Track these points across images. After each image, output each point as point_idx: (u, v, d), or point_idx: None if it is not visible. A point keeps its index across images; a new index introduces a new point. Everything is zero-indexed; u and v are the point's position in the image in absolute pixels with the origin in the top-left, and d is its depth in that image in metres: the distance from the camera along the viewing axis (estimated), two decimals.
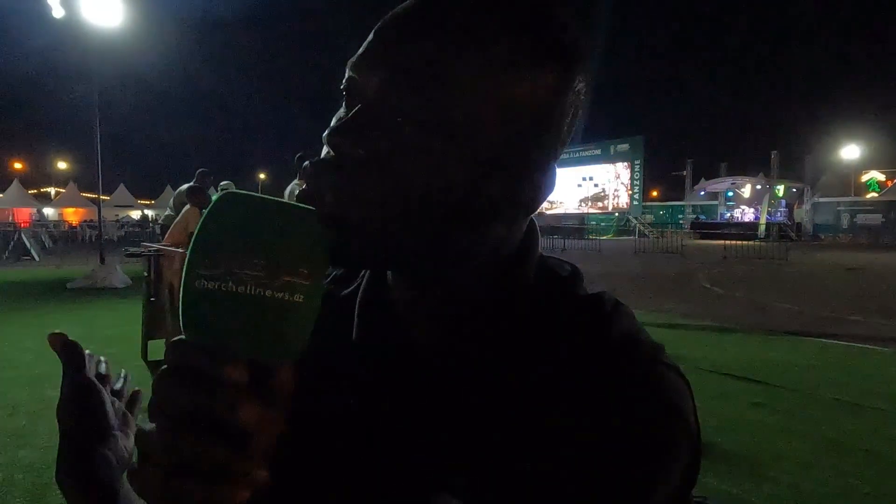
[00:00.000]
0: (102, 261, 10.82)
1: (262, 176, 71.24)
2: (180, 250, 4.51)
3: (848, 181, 37.68)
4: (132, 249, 5.50)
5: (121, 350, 5.41)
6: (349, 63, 0.43)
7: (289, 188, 6.04)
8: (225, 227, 0.34)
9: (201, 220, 0.35)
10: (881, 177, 37.23)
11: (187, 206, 5.92)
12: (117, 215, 39.22)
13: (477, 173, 0.40)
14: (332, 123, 0.44)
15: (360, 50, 0.43)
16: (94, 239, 21.06)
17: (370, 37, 0.42)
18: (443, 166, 0.39)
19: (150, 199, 46.77)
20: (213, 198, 0.36)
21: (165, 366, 0.34)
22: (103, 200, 13.44)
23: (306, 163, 0.42)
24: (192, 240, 0.34)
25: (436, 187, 0.39)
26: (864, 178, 38.11)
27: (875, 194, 35.20)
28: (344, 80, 0.43)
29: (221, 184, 7.16)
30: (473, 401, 0.44)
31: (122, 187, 43.60)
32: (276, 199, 0.36)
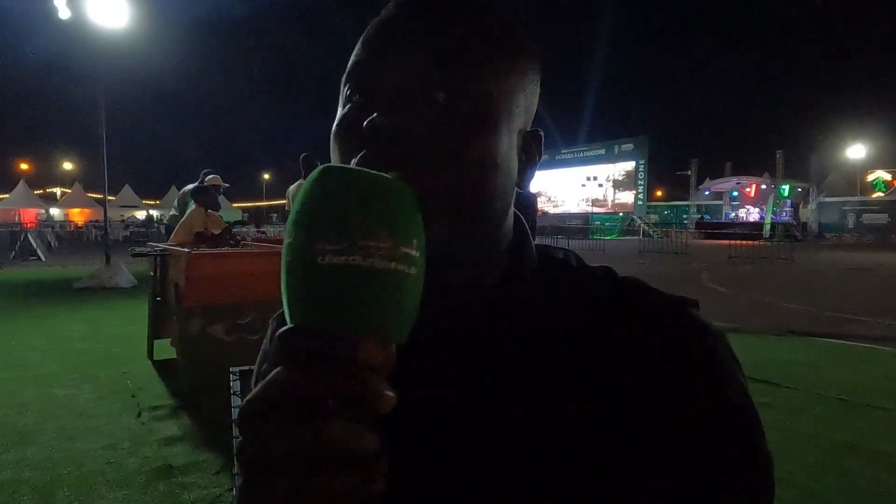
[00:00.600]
0: (108, 261, 10.86)
1: (266, 176, 71.39)
2: (186, 250, 4.52)
3: (853, 181, 37.50)
4: (138, 249, 5.52)
5: (126, 349, 5.45)
6: (366, 50, 0.46)
7: (291, 188, 6.05)
8: (344, 198, 0.32)
9: (309, 191, 0.33)
10: (887, 176, 36.97)
11: (192, 207, 5.94)
12: (122, 215, 39.35)
13: (504, 138, 0.46)
14: (349, 112, 0.45)
15: (380, 37, 0.46)
16: (99, 239, 21.16)
17: (384, 27, 0.46)
18: (482, 135, 0.44)
19: (156, 199, 47.01)
20: (316, 171, 0.34)
21: (283, 358, 0.31)
22: (109, 201, 13.48)
23: (362, 154, 0.42)
24: (303, 213, 0.32)
25: (485, 154, 0.44)
26: (870, 177, 37.87)
27: (881, 194, 34.97)
28: (357, 66, 0.46)
29: (208, 177, 7.08)
30: (525, 386, 0.45)
31: (127, 188, 43.75)
32: (374, 171, 0.35)
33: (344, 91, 0.47)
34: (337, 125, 0.46)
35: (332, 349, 0.30)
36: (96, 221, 30.69)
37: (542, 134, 0.51)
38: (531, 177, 0.51)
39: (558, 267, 0.52)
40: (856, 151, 39.66)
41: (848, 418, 3.78)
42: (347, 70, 0.47)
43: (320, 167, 0.34)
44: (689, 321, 0.46)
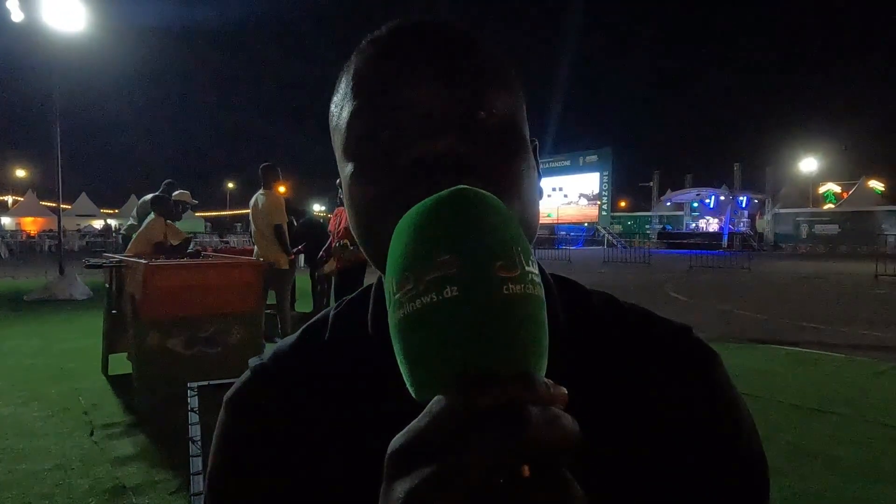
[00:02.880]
0: (62, 272, 10.48)
1: (230, 185, 70.17)
2: (143, 261, 4.39)
3: (806, 193, 39.01)
4: (92, 261, 5.33)
5: (80, 364, 5.24)
6: (380, 84, 0.44)
7: (254, 198, 5.93)
8: (502, 220, 0.29)
9: (455, 215, 0.29)
10: (837, 189, 38.68)
11: (151, 216, 5.78)
12: (79, 225, 38.13)
13: (530, 149, 0.49)
14: (385, 147, 0.43)
15: (393, 70, 0.44)
16: (53, 249, 20.39)
17: (394, 59, 0.44)
18: (522, 149, 0.46)
19: (115, 208, 45.59)
20: (446, 193, 0.30)
21: (471, 415, 0.25)
22: (64, 209, 13.02)
23: (428, 184, 0.40)
24: (469, 236, 0.28)
25: (524, 167, 0.46)
26: (822, 189, 39.54)
27: (832, 205, 36.51)
28: (377, 101, 0.44)
29: (176, 192, 6.93)
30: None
31: (84, 196, 42.47)
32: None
33: (354, 131, 0.45)
34: (368, 161, 0.44)
35: (538, 395, 0.26)
36: (50, 231, 29.59)
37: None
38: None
39: (569, 287, 0.54)
40: (808, 165, 41.26)
41: (803, 423, 3.89)
42: (357, 108, 0.45)
43: (452, 190, 0.30)
44: (700, 352, 0.51)
